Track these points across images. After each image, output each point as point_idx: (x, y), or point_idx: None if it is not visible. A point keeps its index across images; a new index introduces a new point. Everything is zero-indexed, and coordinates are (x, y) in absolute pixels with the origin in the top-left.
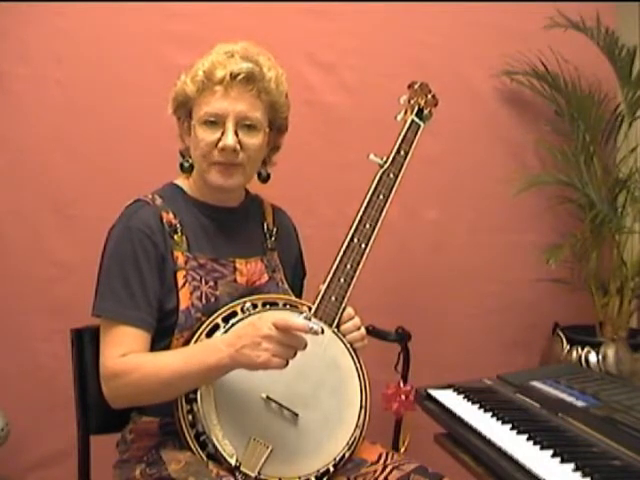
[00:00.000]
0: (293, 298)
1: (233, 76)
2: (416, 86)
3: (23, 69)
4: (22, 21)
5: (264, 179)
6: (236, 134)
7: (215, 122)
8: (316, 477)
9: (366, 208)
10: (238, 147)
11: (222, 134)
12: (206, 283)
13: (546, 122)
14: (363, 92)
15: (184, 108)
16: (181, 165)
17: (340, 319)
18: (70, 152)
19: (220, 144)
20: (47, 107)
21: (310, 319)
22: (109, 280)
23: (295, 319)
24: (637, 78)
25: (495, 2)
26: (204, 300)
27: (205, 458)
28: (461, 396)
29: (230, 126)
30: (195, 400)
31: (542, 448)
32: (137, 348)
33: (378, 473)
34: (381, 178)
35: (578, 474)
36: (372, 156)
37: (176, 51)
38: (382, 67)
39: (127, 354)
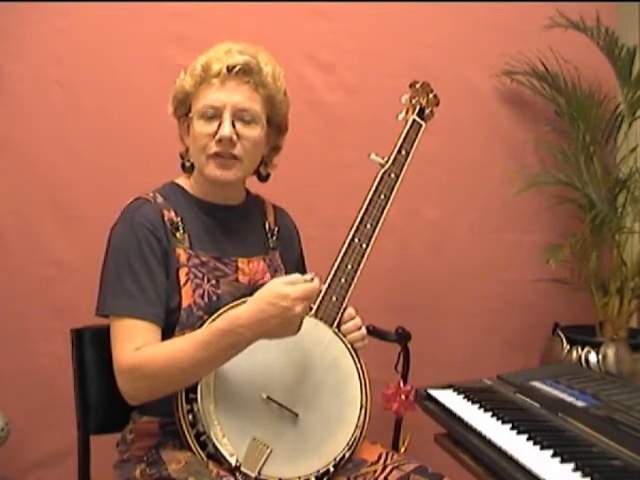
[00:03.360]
0: None
1: (229, 69)
2: (418, 85)
3: (23, 69)
4: (22, 21)
5: (264, 178)
6: (233, 126)
7: (213, 114)
8: (316, 477)
9: (367, 208)
10: (235, 138)
11: (219, 126)
12: (208, 281)
13: (546, 122)
14: (363, 92)
15: (184, 106)
16: (182, 165)
17: (341, 319)
18: (70, 152)
19: (217, 135)
20: (47, 107)
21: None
22: (117, 276)
23: (312, 284)
24: (637, 78)
25: (495, 2)
26: (206, 298)
27: (205, 458)
28: (461, 396)
29: (227, 117)
30: (195, 400)
31: (542, 448)
32: (150, 342)
33: (378, 473)
34: (382, 178)
35: (578, 474)
36: (373, 156)
37: (176, 51)
38: (382, 67)
39: (141, 347)
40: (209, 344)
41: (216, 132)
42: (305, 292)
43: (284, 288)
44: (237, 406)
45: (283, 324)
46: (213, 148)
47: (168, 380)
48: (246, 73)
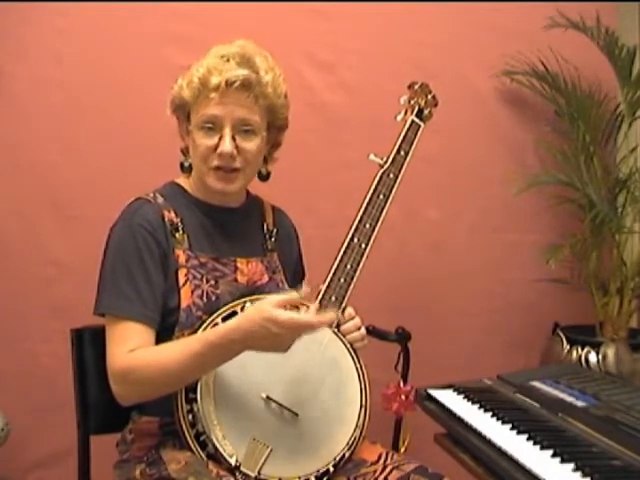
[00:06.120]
0: None
1: (229, 84)
2: (416, 86)
3: (23, 69)
4: (22, 21)
5: (264, 177)
6: (233, 139)
7: (212, 127)
8: (316, 477)
9: (366, 208)
10: (235, 152)
11: (220, 139)
12: (207, 282)
13: (546, 122)
14: (363, 92)
15: (182, 110)
16: (181, 165)
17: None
18: (70, 152)
19: (218, 150)
20: (47, 107)
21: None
22: (114, 277)
23: (307, 318)
24: (637, 78)
25: (495, 2)
26: (205, 299)
27: (205, 458)
28: (461, 396)
29: (227, 131)
30: (195, 400)
31: (542, 448)
32: (144, 345)
33: (378, 473)
34: (381, 178)
35: (578, 474)
36: (372, 156)
37: (176, 51)
38: (382, 67)
39: (134, 350)
40: (199, 355)
41: (217, 145)
42: (297, 324)
43: (277, 314)
44: (237, 406)
45: (273, 345)
46: (215, 162)
47: (157, 385)
48: (245, 87)
